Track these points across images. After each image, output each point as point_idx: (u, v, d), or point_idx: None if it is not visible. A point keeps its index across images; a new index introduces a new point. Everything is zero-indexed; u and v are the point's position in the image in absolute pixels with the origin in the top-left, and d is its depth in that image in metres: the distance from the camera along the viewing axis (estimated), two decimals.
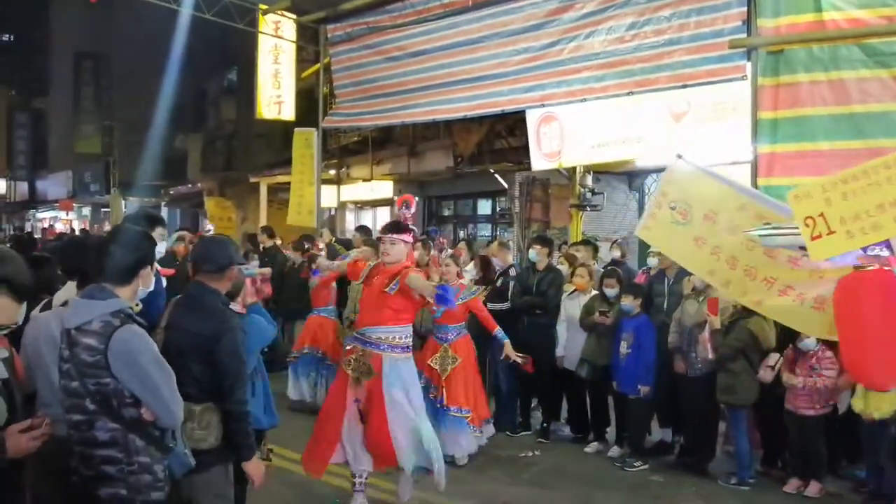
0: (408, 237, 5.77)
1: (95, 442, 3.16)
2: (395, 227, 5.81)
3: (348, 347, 5.79)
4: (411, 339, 5.77)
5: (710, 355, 6.79)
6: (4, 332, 3.17)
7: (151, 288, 3.51)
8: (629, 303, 7.21)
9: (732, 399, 6.76)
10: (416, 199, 6.29)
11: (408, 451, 5.53)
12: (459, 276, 7.46)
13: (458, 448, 7.07)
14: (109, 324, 3.13)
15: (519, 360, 7.15)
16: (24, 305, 3.24)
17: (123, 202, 27.14)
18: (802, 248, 5.39)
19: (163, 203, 28.60)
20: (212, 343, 3.75)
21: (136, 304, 4.25)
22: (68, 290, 4.00)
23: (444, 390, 7.03)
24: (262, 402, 4.85)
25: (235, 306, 4.65)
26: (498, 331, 7.21)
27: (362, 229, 10.32)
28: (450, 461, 6.48)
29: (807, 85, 7.20)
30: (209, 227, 8.54)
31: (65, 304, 3.71)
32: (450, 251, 7.55)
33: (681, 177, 6.53)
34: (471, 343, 7.38)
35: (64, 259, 4.58)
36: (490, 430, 7.64)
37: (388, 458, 5.61)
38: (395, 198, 17.94)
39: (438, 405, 7.00)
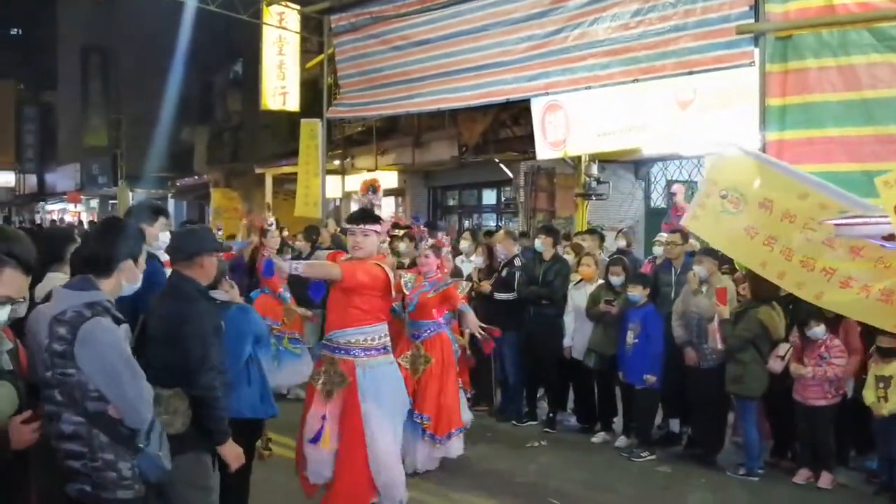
0: (380, 227, 5.19)
1: (62, 435, 3.11)
2: (366, 215, 5.24)
3: (318, 360, 5.27)
4: (388, 339, 5.21)
5: (720, 346, 6.71)
6: (11, 307, 3.09)
7: (137, 284, 3.40)
8: (636, 293, 7.14)
9: (741, 389, 6.69)
10: (382, 187, 5.86)
11: (389, 481, 5.04)
12: (441, 268, 6.69)
13: (409, 458, 6.25)
14: (80, 315, 3.07)
15: (480, 335, 6.54)
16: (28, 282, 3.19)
17: (130, 194, 27.23)
18: (888, 237, 5.21)
19: (169, 195, 28.66)
20: (177, 327, 3.77)
21: None
22: (51, 281, 4.00)
23: (411, 392, 6.20)
24: (258, 392, 4.80)
25: (220, 294, 4.64)
26: (461, 304, 6.56)
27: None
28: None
29: (816, 71, 7.09)
30: (271, 220, 8.43)
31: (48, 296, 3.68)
32: (429, 241, 6.91)
33: (733, 164, 6.36)
34: (448, 343, 6.64)
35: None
36: (458, 445, 6.69)
37: (350, 493, 5.01)
38: (377, 192, 17.99)
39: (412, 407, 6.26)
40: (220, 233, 13.74)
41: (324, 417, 4.96)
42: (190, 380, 3.76)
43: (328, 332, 5.13)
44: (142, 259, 3.40)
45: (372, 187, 5.37)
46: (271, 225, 7.58)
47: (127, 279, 3.33)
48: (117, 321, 3.15)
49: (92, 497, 3.12)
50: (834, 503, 6.19)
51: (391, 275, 5.04)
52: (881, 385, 6.12)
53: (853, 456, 6.91)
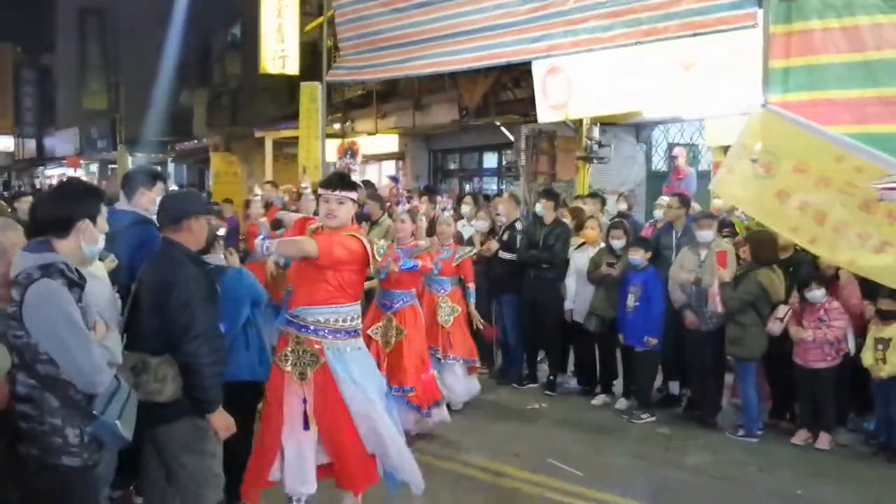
0: (356, 195, 4.66)
1: (17, 396, 3.12)
2: (342, 181, 4.60)
3: (280, 337, 4.64)
4: (359, 321, 4.67)
5: (720, 309, 6.74)
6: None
7: (99, 245, 3.33)
8: (637, 256, 7.15)
9: (741, 351, 6.73)
10: (361, 149, 5.15)
11: (390, 457, 4.58)
12: (415, 235, 6.43)
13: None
14: (29, 276, 3.04)
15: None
16: None
17: (130, 158, 27.12)
18: None
19: (169, 159, 28.58)
20: (164, 293, 3.72)
21: (112, 261, 4.24)
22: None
23: (384, 365, 6.03)
24: (256, 355, 4.83)
25: (214, 258, 4.62)
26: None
27: (366, 184, 10.21)
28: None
29: (820, 32, 7.00)
30: (306, 184, 8.03)
31: None
32: (407, 206, 6.67)
33: (766, 128, 6.24)
34: (419, 314, 6.40)
35: None
36: (442, 413, 6.54)
37: (356, 472, 4.56)
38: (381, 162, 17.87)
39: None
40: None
41: (304, 401, 4.45)
42: (176, 346, 3.72)
43: (293, 307, 4.53)
44: (101, 219, 3.31)
45: (350, 150, 5.00)
46: (306, 188, 7.38)
47: (86, 239, 3.24)
48: (72, 284, 3.08)
49: (37, 461, 3.11)
50: (832, 463, 6.25)
51: (369, 248, 4.57)
52: (880, 347, 6.17)
53: (852, 417, 6.97)
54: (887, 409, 6.25)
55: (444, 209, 7.33)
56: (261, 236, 4.20)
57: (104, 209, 3.35)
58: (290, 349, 4.49)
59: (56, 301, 3.01)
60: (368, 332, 5.96)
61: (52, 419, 3.08)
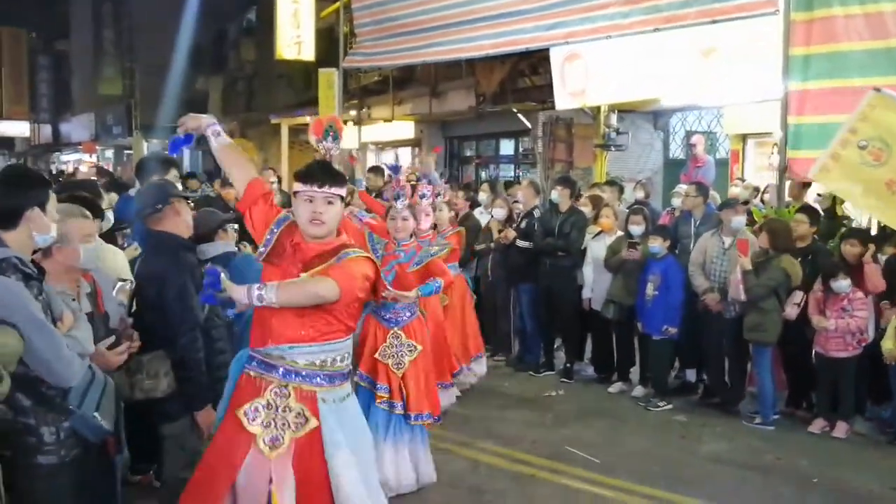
0: (345, 190, 3.44)
1: None
2: (328, 173, 3.34)
3: (243, 382, 3.37)
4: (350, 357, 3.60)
5: (742, 297, 6.73)
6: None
7: (51, 235, 3.07)
8: (656, 245, 7.14)
9: (760, 336, 6.73)
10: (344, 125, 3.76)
11: None
12: (416, 234, 5.51)
13: (412, 475, 5.13)
14: None
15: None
16: None
17: (145, 144, 27.20)
18: None
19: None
20: (155, 286, 3.69)
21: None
22: None
23: (403, 393, 5.10)
24: None
25: (223, 244, 4.60)
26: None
27: (376, 170, 10.16)
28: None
29: (842, 19, 6.97)
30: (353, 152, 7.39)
31: None
32: (406, 200, 5.40)
33: (881, 113, 6.00)
34: (423, 322, 5.41)
35: None
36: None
37: None
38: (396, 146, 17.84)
39: (396, 412, 5.09)
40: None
41: (270, 480, 3.20)
42: (170, 341, 3.70)
43: (271, 342, 3.30)
44: (51, 206, 3.07)
45: (331, 128, 3.56)
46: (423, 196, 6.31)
47: (37, 229, 3.02)
48: (28, 278, 2.91)
49: (10, 462, 2.96)
50: (849, 451, 6.25)
51: (378, 268, 3.53)
52: None
53: (869, 405, 6.96)
54: None
55: (422, 196, 5.88)
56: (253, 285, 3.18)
57: (53, 196, 3.14)
58: (263, 402, 3.27)
59: (14, 299, 2.80)
60: (377, 355, 5.10)
61: (24, 419, 2.95)
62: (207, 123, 3.50)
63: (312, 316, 3.25)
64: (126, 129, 31.25)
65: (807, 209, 7.39)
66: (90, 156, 36.20)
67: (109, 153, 37.04)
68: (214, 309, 3.92)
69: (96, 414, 3.04)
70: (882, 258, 6.62)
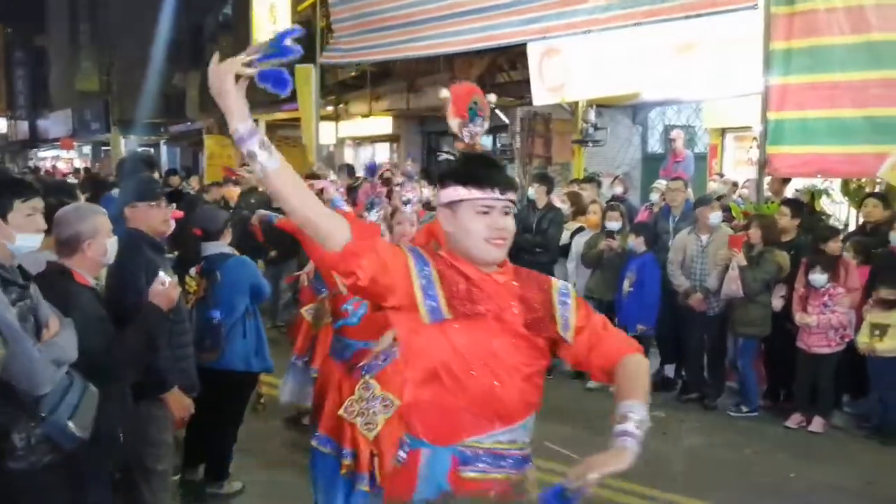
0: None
1: None
2: (503, 173, 2.44)
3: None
4: None
5: (740, 293, 6.70)
6: None
7: (27, 242, 2.98)
8: (635, 242, 7.12)
9: (751, 330, 6.76)
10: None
11: None
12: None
13: None
14: None
15: None
16: None
17: (123, 140, 26.94)
18: None
19: (162, 141, 28.38)
20: (114, 280, 3.69)
21: None
22: None
23: (375, 462, 3.79)
24: (253, 345, 4.78)
25: (220, 245, 4.59)
26: None
27: (346, 169, 10.05)
28: None
29: (823, 13, 6.97)
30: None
31: None
32: (381, 211, 4.22)
33: None
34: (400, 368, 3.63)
35: None
36: None
37: None
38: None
39: (360, 487, 3.80)
40: None
41: None
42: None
43: (482, 430, 2.29)
44: (16, 214, 2.96)
45: (475, 105, 2.53)
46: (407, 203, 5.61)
47: (2, 236, 2.93)
48: (6, 283, 2.86)
49: None
50: (826, 446, 6.26)
51: None
52: (877, 333, 6.18)
53: (846, 400, 6.98)
54: (881, 391, 6.26)
55: (406, 202, 4.56)
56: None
57: (22, 203, 3.00)
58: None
59: None
60: (341, 412, 3.80)
61: None
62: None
63: (531, 378, 2.37)
64: (104, 125, 30.95)
65: (790, 202, 7.42)
66: (67, 152, 35.88)
67: (87, 149, 36.71)
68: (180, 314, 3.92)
69: (70, 423, 2.97)
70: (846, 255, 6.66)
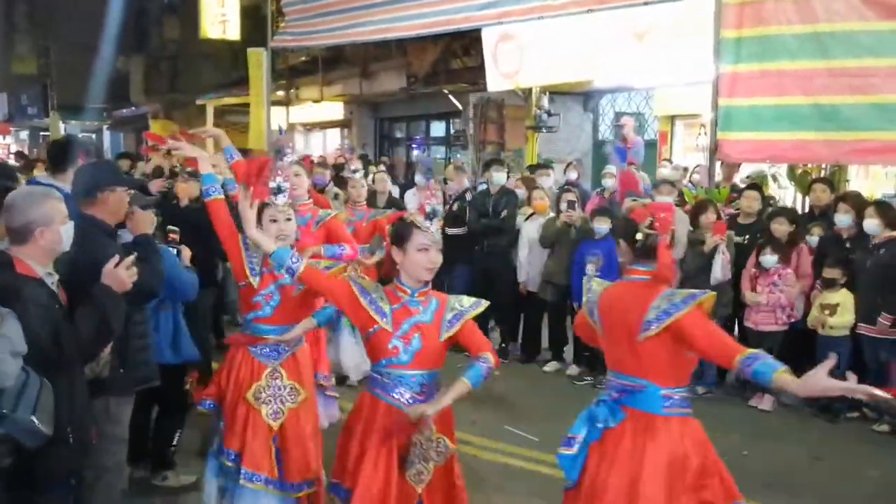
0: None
1: None
2: None
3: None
4: None
5: (729, 276, 6.84)
6: None
7: None
8: (602, 225, 7.16)
9: (721, 311, 6.86)
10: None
11: None
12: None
13: None
14: None
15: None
16: None
17: (63, 126, 26.25)
18: None
19: (105, 126, 27.73)
20: (69, 268, 3.44)
21: None
22: None
23: (279, 462, 3.78)
24: (168, 338, 4.68)
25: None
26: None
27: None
28: None
29: (772, 3, 7.13)
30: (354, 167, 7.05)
31: None
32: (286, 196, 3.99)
33: None
34: (308, 356, 4.10)
35: None
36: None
37: None
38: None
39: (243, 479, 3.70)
40: None
41: None
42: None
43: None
44: None
45: None
46: (355, 172, 6.31)
47: None
48: None
49: None
50: (776, 423, 6.47)
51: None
52: (826, 312, 6.39)
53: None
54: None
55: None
56: None
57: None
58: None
59: None
60: (247, 395, 3.78)
61: None
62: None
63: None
64: (42, 109, 30.10)
65: (756, 187, 7.60)
66: (3, 137, 34.80)
67: (24, 134, 35.65)
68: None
69: (34, 417, 2.83)
70: (810, 239, 6.85)
